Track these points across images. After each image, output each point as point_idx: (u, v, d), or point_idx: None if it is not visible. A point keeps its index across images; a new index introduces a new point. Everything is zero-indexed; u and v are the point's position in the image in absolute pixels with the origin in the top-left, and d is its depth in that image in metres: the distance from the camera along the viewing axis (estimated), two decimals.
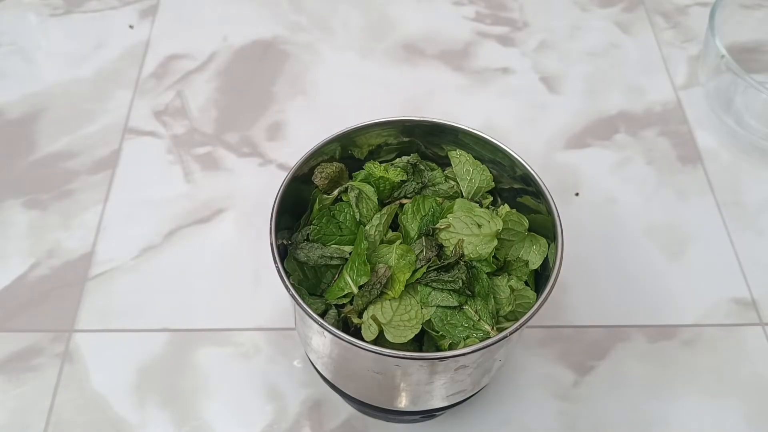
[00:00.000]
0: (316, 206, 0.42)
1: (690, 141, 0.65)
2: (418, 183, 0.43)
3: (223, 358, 0.50)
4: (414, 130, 0.44)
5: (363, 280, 0.37)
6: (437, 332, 0.37)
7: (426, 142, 0.45)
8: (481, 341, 0.35)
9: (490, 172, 0.43)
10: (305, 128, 0.64)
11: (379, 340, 0.37)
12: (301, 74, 0.69)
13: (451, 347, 0.37)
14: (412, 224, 0.40)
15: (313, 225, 0.40)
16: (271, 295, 0.53)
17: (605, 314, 0.53)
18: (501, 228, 0.39)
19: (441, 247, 0.39)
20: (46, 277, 0.54)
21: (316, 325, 0.35)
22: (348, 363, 0.39)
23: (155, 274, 0.55)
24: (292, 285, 0.36)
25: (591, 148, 0.64)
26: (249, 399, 0.48)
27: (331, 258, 0.40)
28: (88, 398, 0.48)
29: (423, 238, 0.39)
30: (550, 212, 0.40)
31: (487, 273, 0.38)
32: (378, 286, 0.37)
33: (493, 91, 0.69)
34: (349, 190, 0.42)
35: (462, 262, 0.38)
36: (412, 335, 0.37)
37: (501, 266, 0.40)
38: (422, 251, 0.38)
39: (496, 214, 0.40)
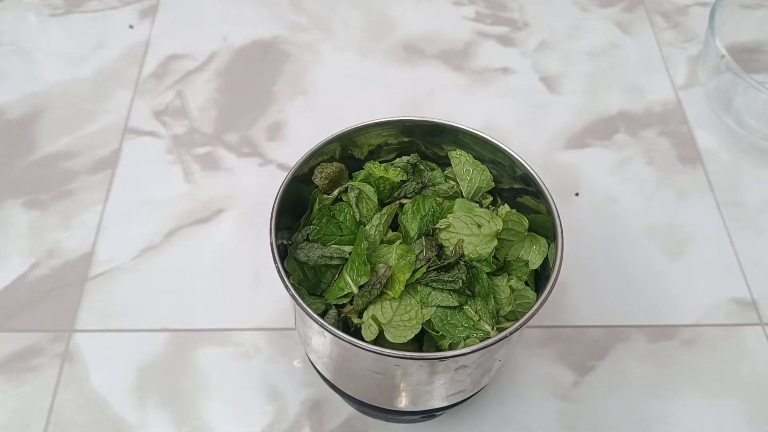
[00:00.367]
0: (316, 206, 0.42)
1: (690, 141, 0.65)
2: (418, 183, 0.43)
3: (223, 358, 0.50)
4: (414, 130, 0.44)
5: (363, 280, 0.37)
6: (437, 332, 0.37)
7: (426, 142, 0.45)
8: (481, 341, 0.35)
9: (490, 172, 0.43)
10: (305, 128, 0.65)
11: (379, 340, 0.37)
12: (301, 74, 0.69)
13: (451, 347, 0.37)
14: (412, 224, 0.40)
15: (313, 225, 0.40)
16: (271, 295, 0.53)
17: (605, 314, 0.53)
18: (501, 228, 0.39)
19: (441, 247, 0.39)
20: (46, 277, 0.54)
21: (316, 325, 0.35)
22: (348, 363, 0.39)
23: (155, 274, 0.55)
24: (292, 285, 0.36)
25: (591, 148, 0.64)
26: (249, 399, 0.48)
27: (331, 258, 0.40)
28: (88, 398, 0.48)
29: (423, 238, 0.39)
30: (550, 212, 0.40)
31: (487, 273, 0.38)
32: (378, 286, 0.37)
33: (493, 91, 0.69)
34: (349, 190, 0.42)
35: (462, 262, 0.38)
36: (412, 335, 0.37)
37: (501, 266, 0.40)
38: (422, 251, 0.38)
39: (496, 214, 0.40)
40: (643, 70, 0.71)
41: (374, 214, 0.41)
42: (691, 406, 0.49)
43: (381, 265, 0.38)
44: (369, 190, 0.42)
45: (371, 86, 0.68)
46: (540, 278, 0.40)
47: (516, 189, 0.43)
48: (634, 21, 0.76)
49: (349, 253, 0.40)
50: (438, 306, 0.37)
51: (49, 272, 0.54)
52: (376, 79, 0.69)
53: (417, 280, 0.38)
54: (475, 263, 0.38)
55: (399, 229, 0.41)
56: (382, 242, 0.40)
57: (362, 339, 0.36)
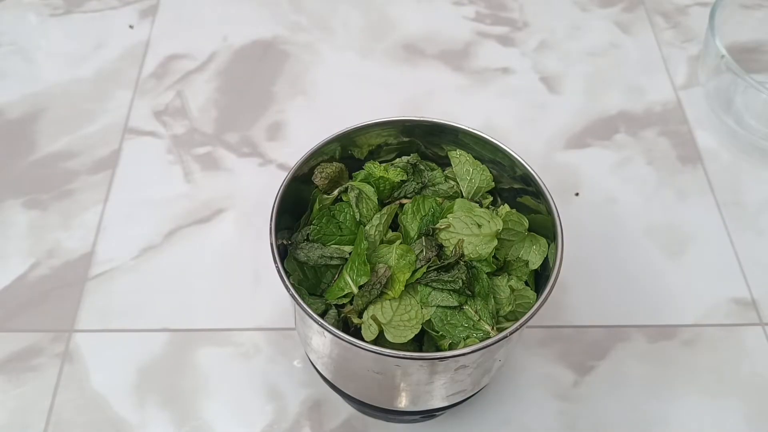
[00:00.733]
0: (316, 206, 0.42)
1: (690, 141, 0.65)
2: (418, 183, 0.43)
3: (223, 358, 0.50)
4: (414, 130, 0.44)
5: (363, 280, 0.37)
6: (437, 332, 0.37)
7: (426, 142, 0.45)
8: (481, 341, 0.35)
9: (490, 172, 0.43)
10: (305, 128, 0.65)
11: (379, 340, 0.37)
12: (301, 74, 0.69)
13: (451, 347, 0.37)
14: (412, 224, 0.40)
15: (313, 225, 0.40)
16: (271, 295, 0.53)
17: (605, 314, 0.53)
18: (501, 228, 0.39)
19: (441, 247, 0.39)
20: (46, 277, 0.54)
21: (316, 325, 0.35)
22: (348, 363, 0.39)
23: (155, 274, 0.55)
24: (292, 285, 0.36)
25: (591, 148, 0.64)
26: (249, 399, 0.48)
27: (331, 258, 0.40)
28: (88, 398, 0.48)
29: (423, 238, 0.39)
30: (550, 212, 0.40)
31: (487, 273, 0.38)
32: (378, 286, 0.37)
33: (493, 91, 0.69)
34: (349, 190, 0.42)
35: (462, 262, 0.38)
36: (412, 335, 0.37)
37: (501, 266, 0.40)
38: (422, 251, 0.38)
39: (496, 214, 0.40)
40: (643, 70, 0.71)
41: (374, 214, 0.41)
42: (691, 406, 0.49)
43: (381, 265, 0.38)
44: (369, 190, 0.42)
45: (371, 86, 0.68)
46: (540, 278, 0.40)
47: (516, 189, 0.43)
48: (634, 21, 0.76)
49: (349, 253, 0.40)
50: (438, 306, 0.37)
51: (49, 272, 0.54)
52: (376, 79, 0.69)
53: (417, 280, 0.38)
54: (475, 263, 0.38)
55: (399, 229, 0.41)
56: (382, 242, 0.40)
57: (362, 339, 0.36)
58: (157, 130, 0.64)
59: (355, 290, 0.37)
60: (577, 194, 0.60)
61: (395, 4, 0.76)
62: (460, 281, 0.37)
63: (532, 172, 0.41)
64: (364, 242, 0.38)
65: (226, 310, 0.53)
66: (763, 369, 0.51)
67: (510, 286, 0.38)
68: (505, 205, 0.42)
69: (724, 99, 0.65)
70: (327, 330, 0.35)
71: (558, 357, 0.51)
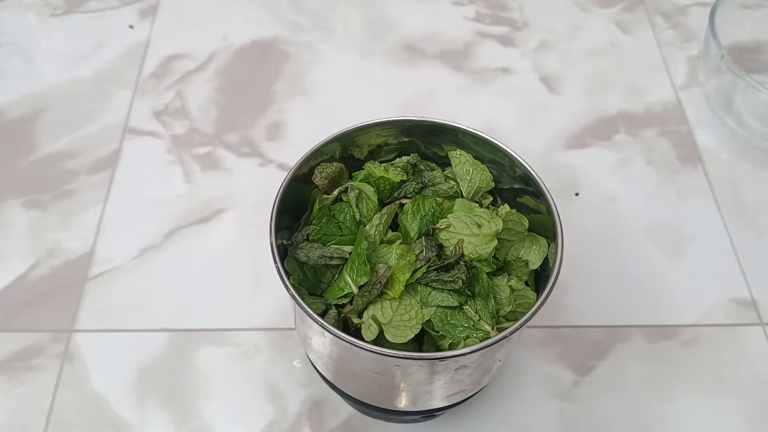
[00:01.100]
0: (316, 206, 0.42)
1: (690, 141, 0.65)
2: (418, 183, 0.43)
3: (223, 358, 0.50)
4: (414, 130, 0.44)
5: (363, 280, 0.37)
6: (437, 332, 0.37)
7: (426, 142, 0.45)
8: (481, 341, 0.35)
9: (490, 172, 0.43)
10: (305, 128, 0.65)
11: (379, 340, 0.37)
12: (301, 74, 0.69)
13: (451, 347, 0.37)
14: (412, 224, 0.40)
15: (313, 225, 0.40)
16: (271, 295, 0.53)
17: (605, 314, 0.53)
18: (501, 228, 0.39)
19: (441, 247, 0.39)
20: (46, 277, 0.54)
21: (316, 325, 0.35)
22: (348, 363, 0.39)
23: (155, 274, 0.55)
24: (292, 285, 0.36)
25: (591, 148, 0.64)
26: (249, 399, 0.48)
27: (331, 258, 0.40)
28: (88, 398, 0.48)
29: (423, 238, 0.39)
30: (550, 212, 0.40)
31: (487, 273, 0.38)
32: (378, 286, 0.37)
33: (493, 91, 0.69)
34: (349, 190, 0.42)
35: (462, 262, 0.38)
36: (412, 335, 0.37)
37: (501, 266, 0.40)
38: (422, 251, 0.38)
39: (496, 214, 0.40)
40: (643, 70, 0.71)
41: (374, 214, 0.41)
42: (691, 406, 0.49)
43: (381, 265, 0.38)
44: (369, 190, 0.42)
45: (371, 86, 0.68)
46: (540, 278, 0.40)
47: (516, 189, 0.43)
48: (634, 21, 0.76)
49: (349, 253, 0.40)
50: (438, 306, 0.37)
51: (49, 272, 0.54)
52: (376, 79, 0.69)
53: (417, 280, 0.38)
54: (475, 263, 0.38)
55: (399, 229, 0.41)
56: (382, 242, 0.40)
57: (362, 339, 0.36)
58: (157, 130, 0.64)
59: (355, 290, 0.37)
60: (577, 194, 0.60)
61: (395, 4, 0.76)
62: (460, 281, 0.37)
63: (532, 172, 0.41)
64: (364, 242, 0.38)
65: (226, 310, 0.53)
66: (763, 369, 0.51)
67: (510, 286, 0.38)
68: (505, 205, 0.42)
69: (724, 99, 0.65)
70: (327, 330, 0.35)
71: (558, 357, 0.51)
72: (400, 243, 0.39)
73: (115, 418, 0.47)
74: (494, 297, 0.38)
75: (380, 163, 0.43)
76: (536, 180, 0.41)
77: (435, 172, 0.44)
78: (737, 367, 0.51)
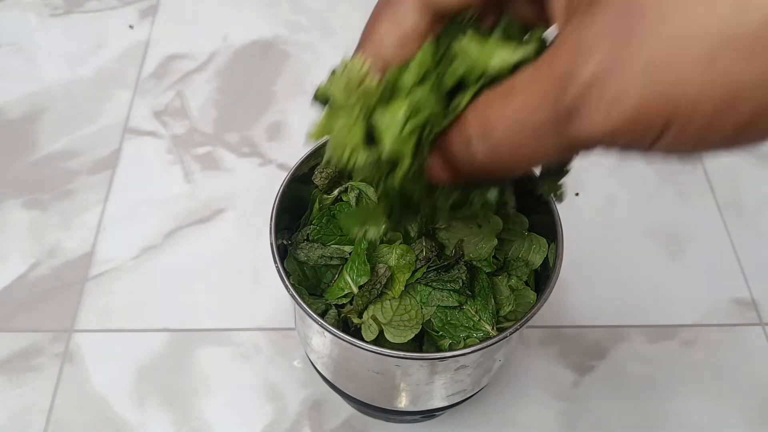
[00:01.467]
0: (316, 206, 0.42)
1: None
2: None
3: (223, 358, 0.50)
4: None
5: (363, 280, 0.37)
6: (437, 332, 0.37)
7: None
8: (481, 341, 0.35)
9: None
10: (305, 128, 0.64)
11: (379, 340, 0.37)
12: (301, 74, 0.69)
13: (451, 347, 0.37)
14: (412, 224, 0.40)
15: (313, 225, 0.40)
16: (271, 295, 0.53)
17: (605, 314, 0.53)
18: (501, 227, 0.39)
19: (442, 247, 0.39)
20: (46, 277, 0.54)
21: (316, 325, 0.35)
22: (348, 363, 0.39)
23: (155, 274, 0.55)
24: (292, 285, 0.36)
25: None
26: (249, 399, 0.48)
27: (331, 258, 0.39)
28: (88, 398, 0.48)
29: (423, 238, 0.39)
30: (550, 212, 0.40)
31: (487, 273, 0.38)
32: (378, 286, 0.37)
33: None
34: (349, 190, 0.42)
35: (462, 262, 0.38)
36: (412, 335, 0.37)
37: (501, 266, 0.40)
38: (422, 251, 0.38)
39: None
40: None
41: None
42: (690, 406, 0.49)
43: (381, 265, 0.38)
44: (369, 190, 0.42)
45: None
46: (540, 278, 0.40)
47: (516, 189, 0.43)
48: None
49: (349, 253, 0.40)
50: (438, 306, 0.37)
51: (49, 272, 0.54)
52: None
53: (417, 280, 0.38)
54: (475, 263, 0.38)
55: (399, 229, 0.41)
56: (382, 242, 0.40)
57: (362, 339, 0.36)
58: (157, 130, 0.64)
59: (355, 290, 0.37)
60: (577, 194, 0.60)
61: None
62: (460, 281, 0.37)
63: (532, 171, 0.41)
64: (364, 242, 0.38)
65: (226, 310, 0.53)
66: (763, 369, 0.51)
67: (510, 286, 0.38)
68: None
69: None
70: (327, 330, 0.35)
71: (558, 357, 0.51)
72: (400, 243, 0.39)
73: (115, 418, 0.47)
74: (494, 297, 0.38)
75: None
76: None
77: None
78: (737, 367, 0.51)
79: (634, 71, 0.16)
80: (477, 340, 0.36)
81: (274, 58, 0.71)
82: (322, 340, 0.38)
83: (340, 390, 0.43)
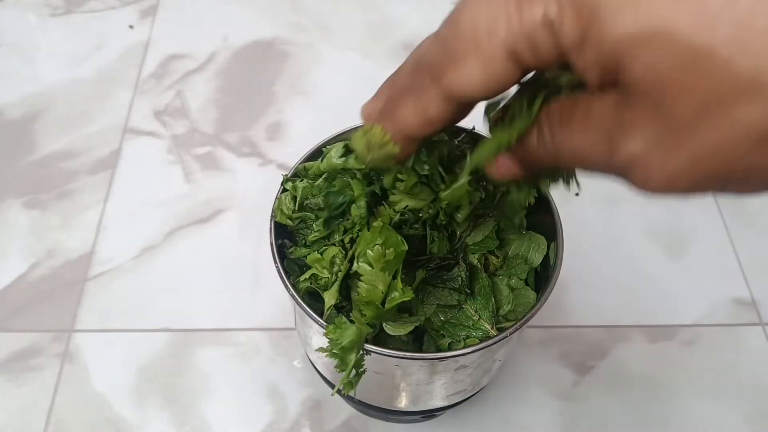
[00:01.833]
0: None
1: None
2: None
3: (223, 358, 0.50)
4: None
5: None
6: (437, 331, 0.37)
7: None
8: (481, 341, 0.35)
9: None
10: (305, 128, 0.65)
11: (379, 339, 0.37)
12: (301, 74, 0.69)
13: (451, 347, 0.37)
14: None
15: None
16: (271, 295, 0.53)
17: (605, 314, 0.53)
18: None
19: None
20: (46, 277, 0.54)
21: (316, 325, 0.35)
22: None
23: (155, 274, 0.55)
24: (292, 285, 0.36)
25: None
26: (249, 399, 0.48)
27: None
28: (88, 398, 0.48)
29: None
30: (550, 212, 0.40)
31: (486, 272, 0.38)
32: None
33: None
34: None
35: (462, 261, 0.38)
36: (411, 327, 0.36)
37: (501, 265, 0.39)
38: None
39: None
40: None
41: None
42: (691, 405, 0.49)
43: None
44: None
45: (371, 86, 0.68)
46: (540, 278, 0.40)
47: None
48: None
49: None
50: (437, 305, 0.37)
51: (49, 272, 0.54)
52: (377, 79, 0.69)
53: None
54: (475, 262, 0.38)
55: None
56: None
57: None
58: (157, 130, 0.64)
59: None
60: (577, 194, 0.60)
61: (395, 4, 0.76)
62: (460, 279, 0.37)
63: None
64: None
65: (226, 310, 0.53)
66: (763, 369, 0.51)
67: (510, 286, 0.38)
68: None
69: None
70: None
71: (558, 357, 0.51)
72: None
73: (115, 418, 0.47)
74: (494, 297, 0.38)
75: None
76: None
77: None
78: (737, 367, 0.51)
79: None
80: (477, 340, 0.36)
81: (274, 58, 0.71)
82: (322, 340, 0.38)
83: (340, 390, 0.43)
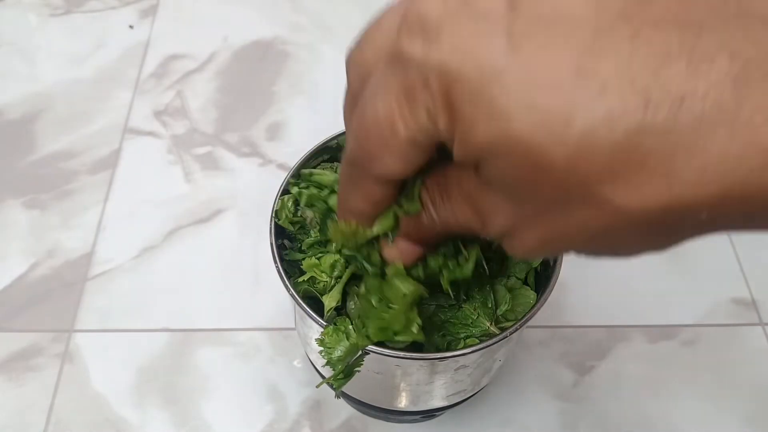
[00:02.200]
0: None
1: None
2: None
3: (223, 358, 0.50)
4: None
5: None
6: (437, 331, 0.37)
7: None
8: (480, 341, 0.35)
9: None
10: (305, 128, 0.65)
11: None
12: (301, 74, 0.69)
13: (450, 347, 0.37)
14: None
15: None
16: (271, 295, 0.53)
17: (605, 314, 0.53)
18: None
19: None
20: (46, 277, 0.54)
21: (316, 325, 0.35)
22: None
23: (155, 274, 0.55)
24: (292, 285, 0.36)
25: None
26: (249, 399, 0.48)
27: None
28: (88, 398, 0.48)
29: None
30: None
31: (486, 272, 0.38)
32: None
33: None
34: None
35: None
36: (411, 340, 0.36)
37: (501, 265, 0.39)
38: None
39: None
40: None
41: None
42: (691, 406, 0.49)
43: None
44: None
45: None
46: (540, 278, 0.40)
47: None
48: None
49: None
50: (436, 304, 0.37)
51: (49, 272, 0.54)
52: None
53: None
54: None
55: None
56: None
57: None
58: (157, 130, 0.64)
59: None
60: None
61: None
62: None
63: None
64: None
65: (226, 310, 0.53)
66: (763, 369, 0.51)
67: (507, 286, 0.38)
68: None
69: None
70: None
71: (558, 357, 0.51)
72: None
73: (115, 418, 0.47)
74: (493, 296, 0.38)
75: None
76: None
77: None
78: (737, 367, 0.51)
79: None
80: (476, 340, 0.36)
81: (274, 58, 0.71)
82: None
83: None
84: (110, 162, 0.61)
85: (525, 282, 0.40)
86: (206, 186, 0.60)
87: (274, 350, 0.51)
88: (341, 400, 0.47)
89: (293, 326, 0.51)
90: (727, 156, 0.17)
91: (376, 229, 0.28)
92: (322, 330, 0.34)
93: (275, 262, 0.37)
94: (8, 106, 0.66)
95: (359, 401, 0.43)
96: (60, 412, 0.48)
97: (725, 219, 0.20)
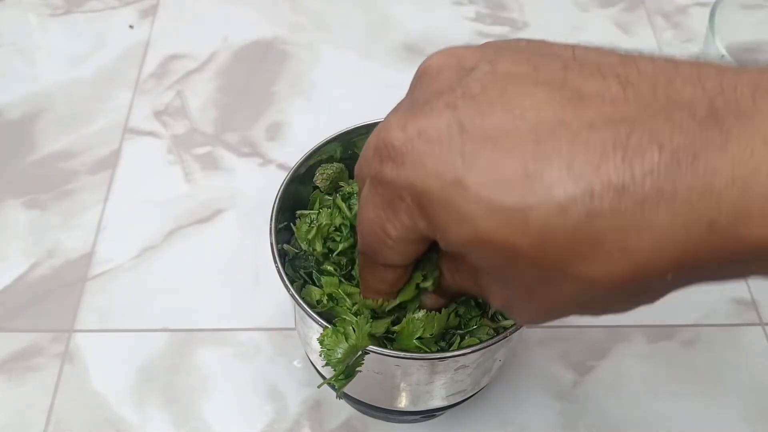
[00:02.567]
0: (316, 207, 0.42)
1: None
2: None
3: (223, 358, 0.50)
4: None
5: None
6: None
7: None
8: (480, 341, 0.35)
9: None
10: (305, 128, 0.65)
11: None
12: (301, 74, 0.69)
13: (450, 347, 0.37)
14: None
15: None
16: (271, 295, 0.53)
17: None
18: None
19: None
20: (46, 277, 0.54)
21: (316, 326, 0.35)
22: None
23: (155, 274, 0.55)
24: (292, 285, 0.36)
25: None
26: (249, 399, 0.48)
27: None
28: (88, 398, 0.48)
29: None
30: None
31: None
32: None
33: None
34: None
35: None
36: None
37: None
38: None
39: None
40: None
41: None
42: (691, 406, 0.49)
43: None
44: None
45: (371, 86, 0.68)
46: None
47: None
48: (634, 21, 0.76)
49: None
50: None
51: (49, 272, 0.54)
52: (377, 79, 0.69)
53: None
54: None
55: None
56: None
57: None
58: (157, 130, 0.64)
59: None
60: None
61: (395, 4, 0.76)
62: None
63: None
64: None
65: (226, 310, 0.53)
66: (762, 369, 0.51)
67: None
68: None
69: None
70: None
71: (558, 357, 0.51)
72: None
73: (115, 418, 0.47)
74: None
75: None
76: None
77: None
78: (737, 367, 0.51)
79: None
80: (476, 340, 0.36)
81: (274, 58, 0.71)
82: None
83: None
84: (110, 162, 0.61)
85: None
86: (206, 186, 0.60)
87: (274, 350, 0.51)
88: (341, 401, 0.47)
89: (293, 326, 0.51)
90: (674, 228, 0.20)
91: (399, 299, 0.32)
92: (321, 331, 0.34)
93: (275, 262, 0.37)
94: (8, 106, 0.66)
95: (359, 401, 0.43)
96: (60, 412, 0.48)
97: (693, 275, 0.22)
